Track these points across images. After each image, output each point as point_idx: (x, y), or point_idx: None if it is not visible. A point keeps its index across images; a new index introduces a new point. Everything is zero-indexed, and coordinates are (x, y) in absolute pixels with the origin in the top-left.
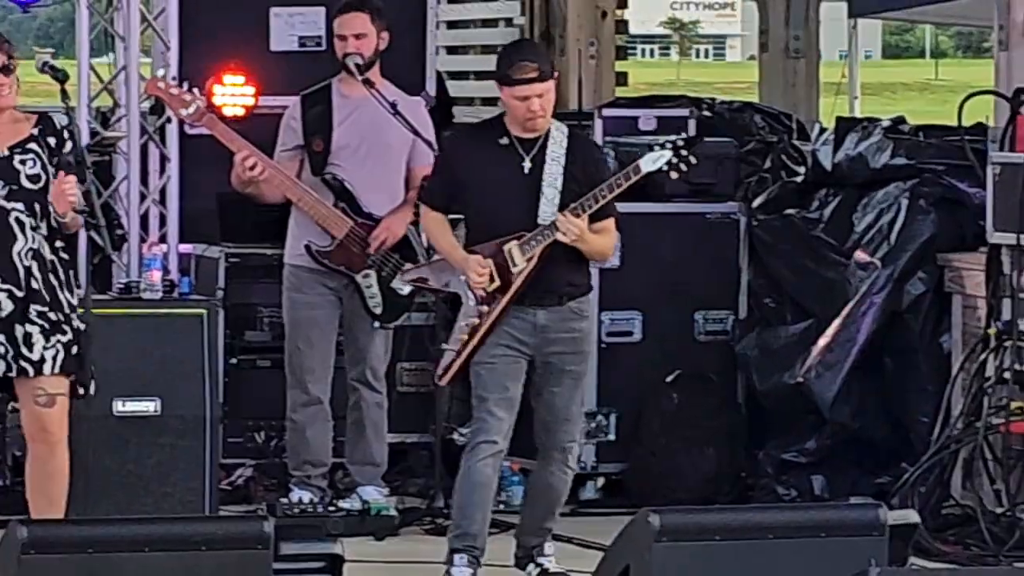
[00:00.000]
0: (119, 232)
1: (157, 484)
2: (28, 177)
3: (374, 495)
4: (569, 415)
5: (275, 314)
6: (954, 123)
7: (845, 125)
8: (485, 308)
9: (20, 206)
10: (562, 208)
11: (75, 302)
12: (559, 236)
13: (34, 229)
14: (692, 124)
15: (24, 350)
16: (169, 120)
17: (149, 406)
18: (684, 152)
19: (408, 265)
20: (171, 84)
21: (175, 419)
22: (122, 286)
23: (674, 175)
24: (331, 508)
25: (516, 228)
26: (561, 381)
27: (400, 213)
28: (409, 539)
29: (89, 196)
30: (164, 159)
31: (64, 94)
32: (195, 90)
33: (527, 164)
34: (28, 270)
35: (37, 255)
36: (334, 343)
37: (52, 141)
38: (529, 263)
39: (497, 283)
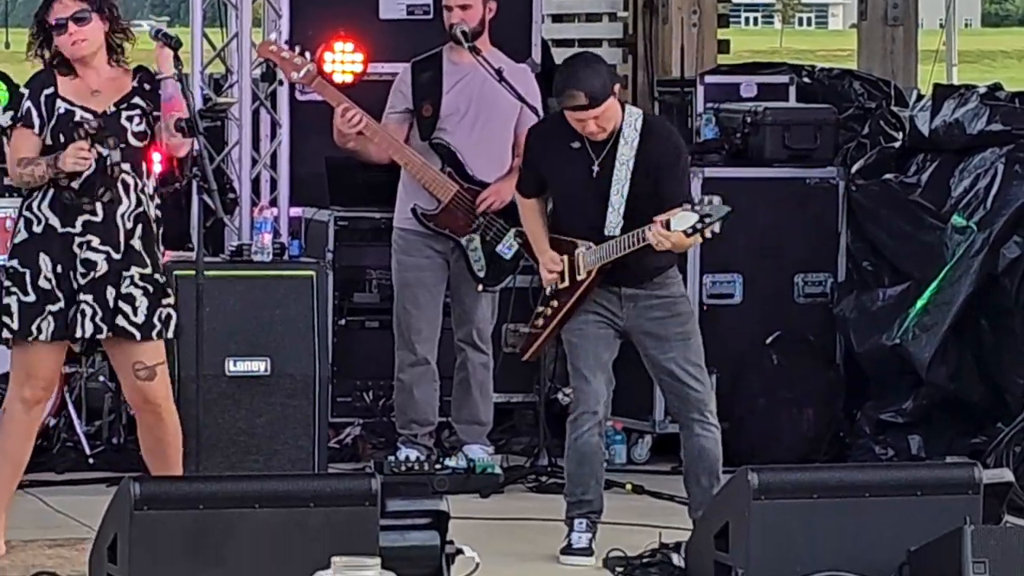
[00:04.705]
0: (231, 196)
1: (267, 442)
2: (135, 135)
3: (479, 453)
4: (690, 373)
5: (383, 276)
6: None
7: (942, 92)
8: (555, 303)
9: (128, 166)
10: (628, 215)
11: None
12: (652, 242)
13: (139, 190)
14: (792, 90)
15: (127, 313)
16: (281, 84)
17: (260, 366)
18: (708, 220)
19: (512, 230)
20: (283, 47)
21: (285, 379)
22: (234, 248)
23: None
24: (437, 466)
25: (585, 232)
26: (670, 346)
27: (509, 180)
28: (513, 496)
29: (202, 161)
30: (275, 124)
31: (177, 61)
32: (306, 53)
33: (595, 168)
34: (130, 232)
35: (141, 216)
36: (441, 305)
37: (147, 87)
38: (590, 275)
39: (566, 284)
